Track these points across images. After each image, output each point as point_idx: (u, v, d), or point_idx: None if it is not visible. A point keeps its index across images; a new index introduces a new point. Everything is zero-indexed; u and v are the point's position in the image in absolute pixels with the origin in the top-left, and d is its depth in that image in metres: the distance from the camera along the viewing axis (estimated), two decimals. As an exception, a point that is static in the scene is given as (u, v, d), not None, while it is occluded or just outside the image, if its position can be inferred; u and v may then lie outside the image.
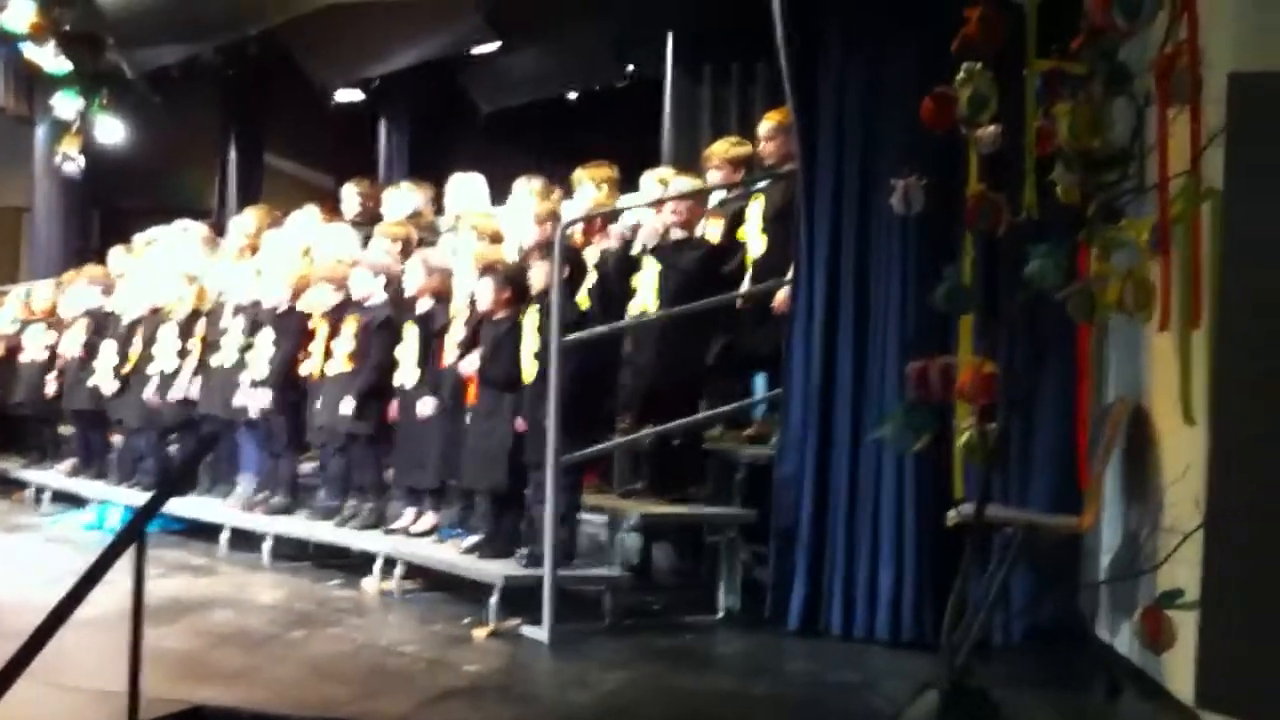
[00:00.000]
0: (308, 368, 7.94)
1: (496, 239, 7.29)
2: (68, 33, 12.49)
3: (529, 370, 6.41)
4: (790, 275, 6.25)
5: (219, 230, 10.48)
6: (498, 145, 11.65)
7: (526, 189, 7.79)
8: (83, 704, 4.63)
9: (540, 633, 5.81)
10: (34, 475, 10.83)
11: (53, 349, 10.82)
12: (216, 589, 7.11)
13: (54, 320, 11.11)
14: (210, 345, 8.77)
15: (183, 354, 9.08)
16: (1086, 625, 5.50)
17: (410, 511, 7.34)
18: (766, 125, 6.83)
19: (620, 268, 6.94)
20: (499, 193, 8.14)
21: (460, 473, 6.92)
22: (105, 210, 15.03)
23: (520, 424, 6.49)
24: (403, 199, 8.70)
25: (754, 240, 6.81)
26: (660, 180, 7.32)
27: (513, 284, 6.68)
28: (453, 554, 6.67)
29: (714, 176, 7.08)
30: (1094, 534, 5.37)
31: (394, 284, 7.61)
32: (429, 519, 7.24)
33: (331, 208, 9.23)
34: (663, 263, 6.76)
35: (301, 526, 7.88)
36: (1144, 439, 4.99)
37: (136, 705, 3.77)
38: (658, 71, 9.58)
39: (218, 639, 5.83)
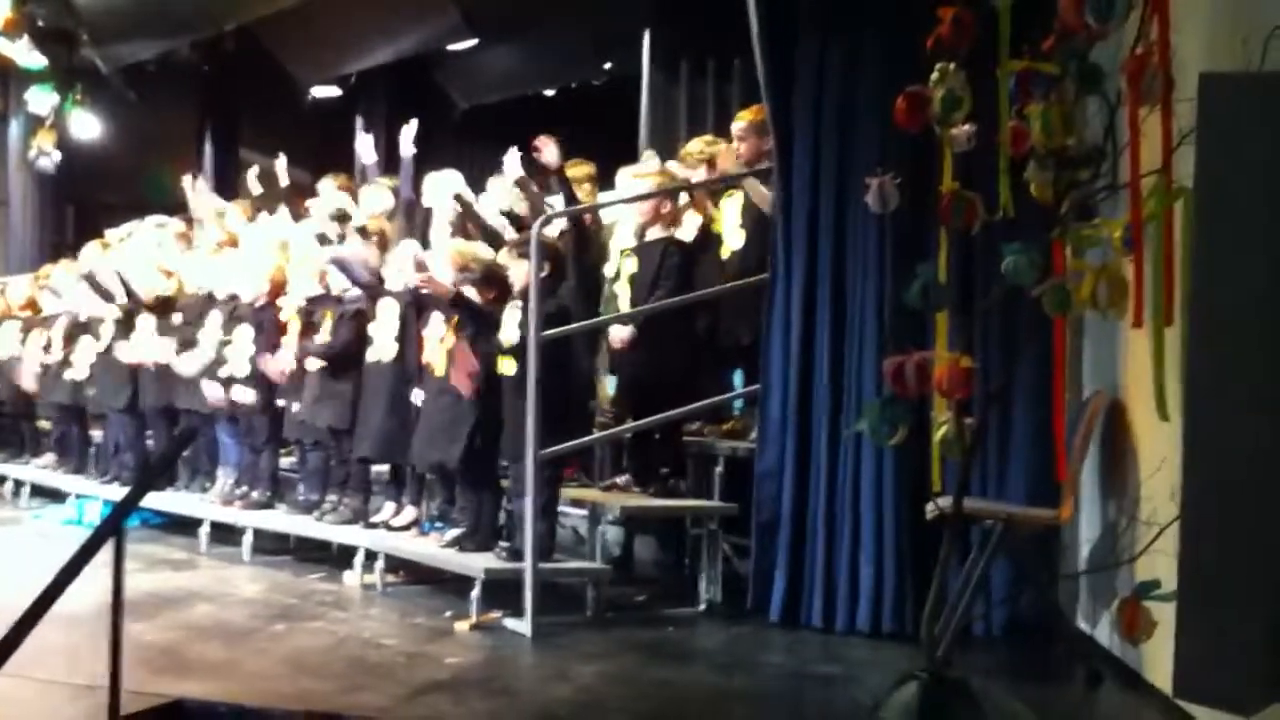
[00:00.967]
0: (279, 363, 7.91)
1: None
2: (42, 28, 12.45)
3: (508, 365, 6.41)
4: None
5: (193, 225, 10.46)
6: (474, 142, 11.67)
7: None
8: (63, 698, 4.62)
9: (522, 625, 5.84)
10: (12, 470, 10.82)
11: (30, 344, 10.79)
12: (197, 583, 7.10)
13: (31, 316, 11.08)
14: (186, 341, 8.77)
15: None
16: (1065, 616, 5.56)
17: (391, 505, 7.37)
18: (739, 124, 6.88)
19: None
20: (475, 190, 8.13)
21: (411, 453, 6.97)
22: (80, 205, 15.00)
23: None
24: (379, 195, 8.68)
25: (732, 236, 6.87)
26: (635, 175, 7.36)
27: (494, 280, 6.69)
28: (434, 548, 6.70)
29: (691, 172, 7.12)
30: (1072, 526, 5.43)
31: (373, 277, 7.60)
32: (410, 513, 7.26)
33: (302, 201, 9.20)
34: (640, 260, 6.81)
35: (282, 521, 7.90)
36: (1121, 432, 5.04)
37: (117, 699, 3.75)
38: (635, 69, 9.61)
39: (198, 633, 5.83)
